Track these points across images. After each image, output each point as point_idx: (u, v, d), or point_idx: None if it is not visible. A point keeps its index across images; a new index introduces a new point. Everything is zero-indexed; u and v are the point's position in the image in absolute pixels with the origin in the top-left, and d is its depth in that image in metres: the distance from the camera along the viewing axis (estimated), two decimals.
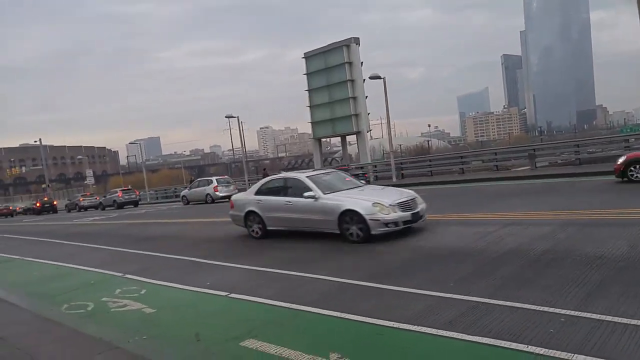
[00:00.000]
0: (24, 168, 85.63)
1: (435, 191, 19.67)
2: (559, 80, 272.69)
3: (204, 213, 22.58)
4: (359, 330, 5.05)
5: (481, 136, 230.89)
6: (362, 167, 31.29)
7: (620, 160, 14.43)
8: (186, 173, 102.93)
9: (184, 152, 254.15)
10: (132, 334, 5.60)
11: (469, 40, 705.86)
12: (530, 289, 5.59)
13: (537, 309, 4.94)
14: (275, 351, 4.62)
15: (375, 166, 33.25)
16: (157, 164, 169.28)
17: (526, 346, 4.12)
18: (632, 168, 13.98)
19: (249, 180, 39.29)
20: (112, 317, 6.47)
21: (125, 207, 38.18)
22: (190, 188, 32.12)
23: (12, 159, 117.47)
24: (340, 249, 9.29)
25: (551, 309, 4.88)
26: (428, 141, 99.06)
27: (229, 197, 30.44)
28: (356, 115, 34.64)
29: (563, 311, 4.80)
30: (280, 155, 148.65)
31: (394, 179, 27.82)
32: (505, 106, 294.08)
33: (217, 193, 29.20)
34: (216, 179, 30.75)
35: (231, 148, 75.21)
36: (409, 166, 31.19)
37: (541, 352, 3.99)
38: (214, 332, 5.39)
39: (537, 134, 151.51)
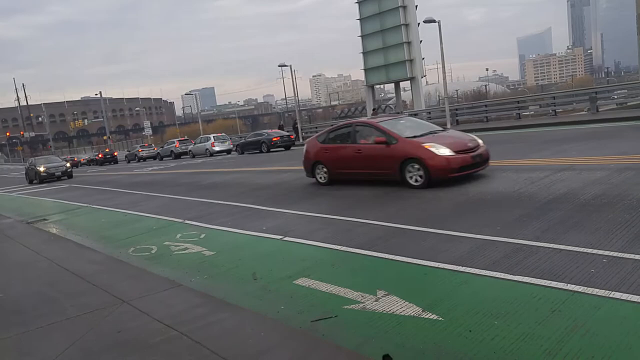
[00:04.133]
0: (86, 120, 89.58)
1: (490, 137, 19.12)
2: (630, 16, 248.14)
3: (257, 162, 23.18)
4: (405, 271, 5.28)
5: (542, 80, 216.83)
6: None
7: None
8: (240, 123, 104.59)
9: (237, 102, 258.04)
10: (193, 273, 6.10)
11: None
12: (576, 232, 5.61)
13: (581, 250, 5.00)
14: (326, 288, 4.93)
15: (430, 113, 32.53)
16: (212, 114, 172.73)
17: (565, 284, 4.24)
18: None
19: (302, 129, 39.61)
20: (175, 259, 7.00)
21: (182, 157, 39.65)
22: (195, 144, 38.09)
23: (75, 112, 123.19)
24: (391, 194, 9.45)
25: (595, 251, 4.93)
26: (485, 86, 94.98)
27: (225, 151, 34.83)
28: (410, 60, 33.58)
29: (607, 252, 4.84)
30: (333, 103, 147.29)
31: (449, 125, 27.22)
32: (570, 47, 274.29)
33: (214, 148, 35.11)
34: (213, 136, 36.96)
35: (284, 97, 75.27)
36: (464, 112, 30.33)
37: (579, 290, 4.12)
38: (270, 272, 5.77)
39: (603, 75, 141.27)
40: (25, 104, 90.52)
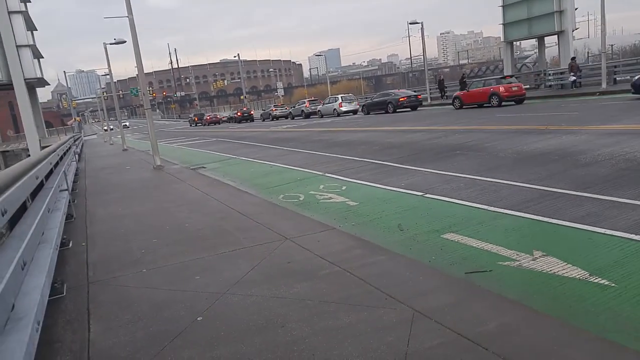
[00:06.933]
0: (225, 82, 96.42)
1: None
2: None
3: (384, 122, 23.16)
4: (565, 234, 5.03)
5: None
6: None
7: None
8: (364, 84, 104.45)
9: (362, 63, 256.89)
10: (341, 220, 6.44)
11: None
12: None
13: None
14: (476, 244, 4.92)
15: (580, 70, 29.23)
16: (336, 76, 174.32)
17: None
18: None
19: (430, 89, 38.43)
20: (322, 206, 7.44)
21: (311, 116, 41.03)
22: (324, 104, 39.51)
23: (215, 74, 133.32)
24: (534, 158, 8.94)
25: None
26: None
27: (352, 111, 35.66)
28: (560, 12, 30.15)
29: None
30: (461, 62, 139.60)
31: (604, 85, 24.31)
32: None
33: (341, 108, 36.31)
34: (341, 97, 38.15)
35: (409, 57, 73.18)
36: (622, 70, 26.86)
37: None
38: (415, 225, 5.88)
39: None
40: (176, 66, 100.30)
